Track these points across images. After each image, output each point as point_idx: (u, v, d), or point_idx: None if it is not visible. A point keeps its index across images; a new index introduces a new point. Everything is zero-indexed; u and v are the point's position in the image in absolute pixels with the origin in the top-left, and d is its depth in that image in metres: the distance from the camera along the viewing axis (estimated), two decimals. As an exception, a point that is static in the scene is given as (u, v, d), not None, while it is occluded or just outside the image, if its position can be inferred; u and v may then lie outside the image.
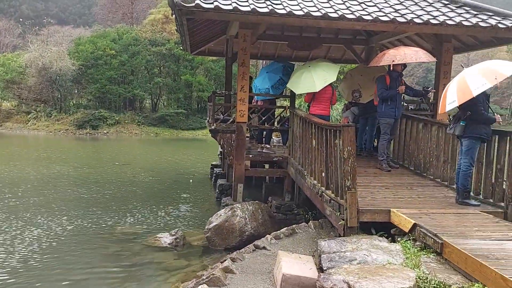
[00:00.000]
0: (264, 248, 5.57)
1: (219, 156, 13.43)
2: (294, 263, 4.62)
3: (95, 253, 6.81)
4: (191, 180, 12.38)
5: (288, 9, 6.93)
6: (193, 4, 6.60)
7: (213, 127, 8.73)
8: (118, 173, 14.05)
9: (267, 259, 5.22)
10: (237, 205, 7.35)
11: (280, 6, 7.06)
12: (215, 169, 12.73)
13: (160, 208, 9.70)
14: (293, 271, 4.42)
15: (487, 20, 7.44)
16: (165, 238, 7.15)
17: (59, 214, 8.86)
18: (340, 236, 4.97)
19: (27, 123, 29.14)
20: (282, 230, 6.06)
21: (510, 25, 7.39)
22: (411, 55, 7.05)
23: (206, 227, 7.08)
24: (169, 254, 6.74)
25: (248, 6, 6.89)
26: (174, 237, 7.15)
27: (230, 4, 6.86)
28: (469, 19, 7.42)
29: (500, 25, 7.36)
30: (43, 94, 30.64)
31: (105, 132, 28.48)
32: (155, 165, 16.25)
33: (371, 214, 5.02)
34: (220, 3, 6.80)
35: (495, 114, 5.52)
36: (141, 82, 31.94)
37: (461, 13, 7.65)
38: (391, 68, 7.35)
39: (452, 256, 3.80)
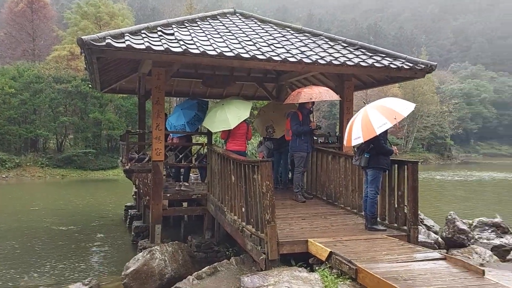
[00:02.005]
0: (186, 289, 5.43)
1: (134, 196, 12.93)
2: (218, 302, 4.57)
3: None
4: (99, 235, 11.42)
5: (201, 49, 7.10)
6: (104, 43, 6.49)
7: (127, 167, 8.45)
8: (20, 221, 12.83)
9: (190, 301, 5.09)
10: (155, 247, 7.09)
11: (194, 46, 7.21)
12: (129, 210, 12.19)
13: (69, 256, 9.00)
14: (217, 311, 4.37)
15: (381, 61, 8.29)
16: (77, 289, 6.63)
17: None
18: (262, 270, 5.03)
19: None
20: (203, 269, 5.95)
21: (400, 65, 8.31)
22: (325, 94, 7.65)
23: (122, 273, 6.70)
24: (83, 306, 6.26)
25: (161, 45, 6.94)
26: (87, 286, 6.65)
27: (143, 44, 6.85)
28: (365, 60, 8.21)
29: (392, 66, 8.24)
30: None
31: (4, 176, 25.97)
32: (62, 209, 15.10)
33: (290, 246, 5.18)
34: (132, 42, 6.77)
35: (392, 146, 6.11)
36: (44, 121, 29.87)
37: (359, 55, 8.44)
38: (307, 105, 7.83)
39: (366, 280, 4.05)
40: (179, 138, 9.30)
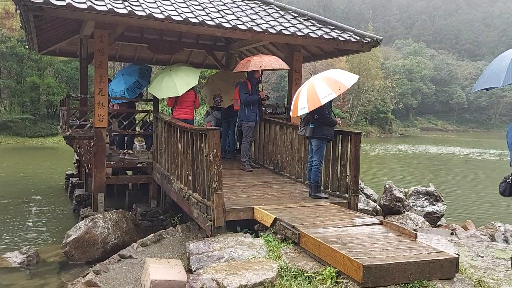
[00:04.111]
0: (130, 257, 5.39)
1: (75, 164, 12.45)
2: (163, 268, 4.58)
3: None
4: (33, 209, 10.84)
5: (148, 12, 6.81)
6: (42, 0, 6.03)
7: (68, 133, 8.07)
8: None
9: (134, 268, 5.07)
10: (98, 215, 6.93)
11: (139, 8, 6.90)
12: (70, 178, 11.75)
13: (6, 227, 8.57)
14: (162, 276, 4.38)
15: (329, 33, 8.39)
16: (15, 258, 6.36)
17: None
18: (208, 236, 5.08)
19: None
20: (148, 236, 5.93)
21: (348, 38, 8.45)
22: (274, 62, 7.64)
23: (63, 241, 6.52)
24: (21, 275, 6.02)
25: (105, 5, 6.57)
26: (25, 255, 6.41)
27: (85, 2, 6.44)
28: (315, 31, 8.27)
29: (340, 38, 8.37)
30: None
31: None
32: (-3, 178, 14.29)
33: (236, 213, 5.26)
34: (73, 1, 6.34)
35: (336, 117, 6.28)
36: (-25, 84, 27.77)
37: (308, 26, 8.48)
38: (256, 74, 7.79)
39: (308, 244, 4.21)
40: (120, 104, 8.97)
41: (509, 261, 4.04)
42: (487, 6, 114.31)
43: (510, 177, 3.85)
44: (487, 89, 3.91)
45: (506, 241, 6.96)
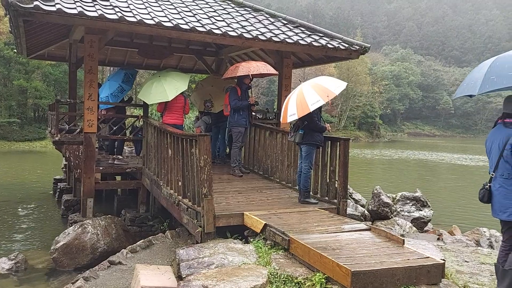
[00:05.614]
0: (120, 263, 5.37)
1: (63, 169, 12.36)
2: (152, 275, 4.58)
3: None
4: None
5: (138, 17, 6.83)
6: (32, 6, 6.02)
7: (57, 138, 8.03)
8: None
9: (124, 274, 5.06)
10: (87, 221, 6.90)
11: (130, 14, 6.92)
12: (59, 184, 11.66)
13: (-8, 231, 8.48)
14: (152, 283, 4.38)
15: (318, 40, 8.49)
16: (3, 264, 6.30)
17: None
18: (198, 243, 5.10)
19: None
20: (138, 243, 5.92)
21: (337, 45, 8.56)
22: (262, 67, 7.72)
23: (52, 247, 6.47)
24: (9, 281, 5.97)
25: (95, 11, 6.58)
26: (13, 261, 6.35)
27: (75, 8, 6.44)
28: (304, 39, 8.36)
29: (329, 45, 8.47)
30: None
31: None
32: (-17, 182, 14.10)
33: (226, 219, 5.28)
34: (64, 6, 6.34)
35: (325, 123, 6.36)
36: (-39, 86, 27.37)
37: (298, 33, 8.57)
38: (246, 80, 7.85)
39: (298, 250, 4.25)
40: (107, 109, 8.97)
41: (494, 267, 4.13)
42: (473, 14, 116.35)
43: (489, 184, 3.96)
44: (470, 96, 4.03)
45: (491, 246, 7.09)
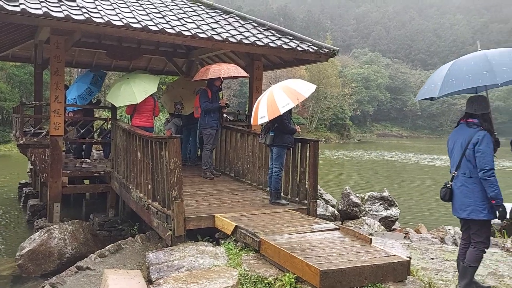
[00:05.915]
0: (88, 268, 5.27)
1: (29, 173, 12.00)
2: (122, 279, 4.53)
3: None
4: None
5: (106, 19, 6.72)
6: (-6, 5, 5.84)
7: (22, 141, 7.80)
8: None
9: (92, 280, 4.97)
10: (54, 226, 6.73)
11: (98, 15, 6.80)
12: (24, 188, 11.31)
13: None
14: (121, 287, 4.33)
15: (288, 43, 8.58)
16: (-37, 273, 6.09)
17: None
18: (168, 246, 5.06)
19: None
20: (107, 247, 5.82)
21: (306, 48, 8.68)
22: (233, 70, 7.76)
23: (17, 254, 6.28)
24: (-30, 291, 5.77)
25: (61, 12, 6.44)
26: (-26, 271, 6.14)
27: (40, 8, 6.29)
28: (274, 41, 8.44)
29: (298, 48, 8.58)
30: None
31: None
32: None
33: (197, 221, 5.27)
34: (28, 7, 6.17)
35: (295, 125, 6.43)
36: None
37: (268, 36, 8.64)
38: (217, 83, 7.85)
39: (268, 251, 4.29)
40: (74, 112, 8.79)
41: (456, 263, 4.29)
42: (438, 18, 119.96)
43: (450, 183, 4.11)
44: (431, 99, 4.18)
45: (455, 243, 7.32)
